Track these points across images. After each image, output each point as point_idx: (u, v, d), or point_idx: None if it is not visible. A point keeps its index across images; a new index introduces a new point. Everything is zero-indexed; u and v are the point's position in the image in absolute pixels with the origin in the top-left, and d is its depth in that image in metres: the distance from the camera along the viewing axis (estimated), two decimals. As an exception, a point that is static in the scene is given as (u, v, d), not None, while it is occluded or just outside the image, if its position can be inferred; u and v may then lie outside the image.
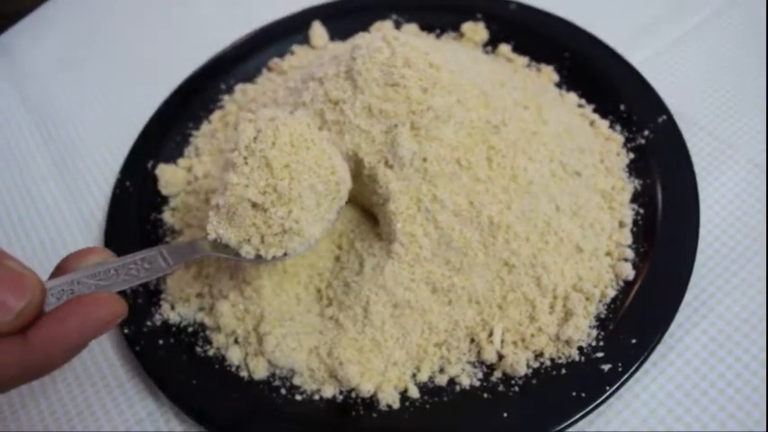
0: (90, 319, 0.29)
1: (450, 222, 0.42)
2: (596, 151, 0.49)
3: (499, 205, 0.43)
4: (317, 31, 0.61)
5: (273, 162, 0.38)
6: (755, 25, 0.58)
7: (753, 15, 0.59)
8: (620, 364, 0.40)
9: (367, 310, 0.43)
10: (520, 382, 0.41)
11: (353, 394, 0.42)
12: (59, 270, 0.31)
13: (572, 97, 0.54)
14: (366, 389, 0.41)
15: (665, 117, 0.50)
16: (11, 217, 0.57)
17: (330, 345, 0.42)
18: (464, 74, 0.44)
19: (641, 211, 0.47)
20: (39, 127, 0.64)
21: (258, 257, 0.39)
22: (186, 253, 0.38)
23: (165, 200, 0.53)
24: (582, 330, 0.41)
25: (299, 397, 0.43)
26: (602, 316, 0.43)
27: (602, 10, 0.62)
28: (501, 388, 0.41)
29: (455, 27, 0.60)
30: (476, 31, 0.59)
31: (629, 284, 0.43)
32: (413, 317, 0.43)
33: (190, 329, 0.46)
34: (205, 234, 0.38)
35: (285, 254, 0.39)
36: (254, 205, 0.38)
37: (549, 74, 0.55)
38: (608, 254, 0.45)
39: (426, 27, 0.61)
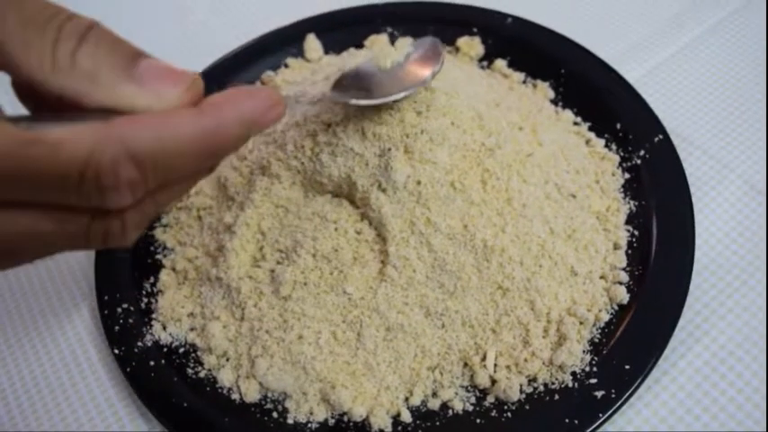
0: (262, 101, 0.28)
1: (444, 246, 0.42)
2: (591, 171, 0.49)
3: (493, 228, 0.43)
4: (312, 44, 0.61)
5: None
6: (754, 41, 0.58)
7: (751, 30, 0.59)
8: (613, 391, 0.39)
9: (360, 333, 0.43)
10: (513, 408, 0.41)
11: (345, 418, 0.42)
12: None
13: (568, 115, 0.53)
14: (358, 413, 0.41)
15: (661, 137, 0.49)
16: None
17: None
18: (459, 95, 0.44)
19: (636, 233, 0.46)
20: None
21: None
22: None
23: (156, 217, 0.53)
24: (575, 355, 0.41)
25: (290, 420, 0.42)
26: (596, 340, 0.42)
27: (600, 24, 0.62)
28: (494, 413, 0.41)
29: (451, 41, 0.59)
30: (471, 45, 0.58)
31: (623, 308, 0.43)
32: (406, 340, 0.42)
33: (181, 350, 0.46)
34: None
35: None
36: None
37: (544, 90, 0.55)
38: (602, 277, 0.45)
39: (422, 41, 0.60)
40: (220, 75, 0.60)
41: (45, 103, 0.26)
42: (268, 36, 0.62)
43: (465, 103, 0.44)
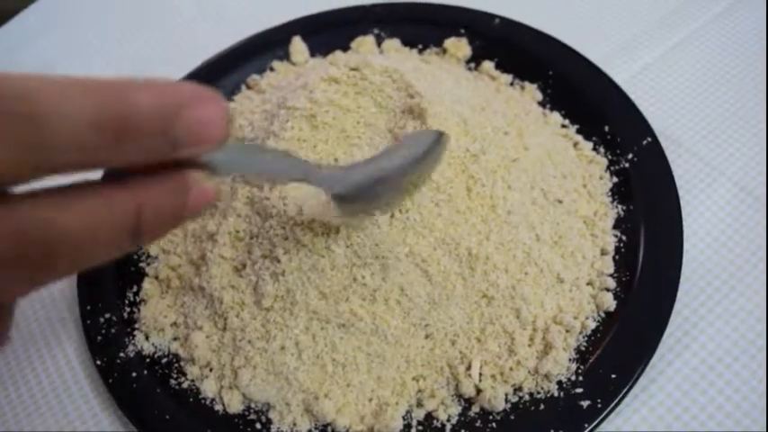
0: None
1: (429, 254, 0.41)
2: (579, 176, 0.48)
3: (478, 236, 0.42)
4: (298, 46, 0.60)
5: None
6: (743, 41, 0.57)
7: (740, 30, 0.58)
8: (599, 401, 0.39)
9: (343, 343, 0.42)
10: (498, 418, 0.40)
11: (329, 429, 0.41)
12: None
13: (555, 117, 0.53)
14: (342, 424, 0.41)
15: (649, 139, 0.49)
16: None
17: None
18: (444, 100, 0.43)
19: (624, 238, 0.46)
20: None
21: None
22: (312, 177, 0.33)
23: (140, 223, 0.52)
24: (561, 364, 0.41)
25: (274, 431, 0.42)
26: (583, 348, 0.42)
27: (589, 25, 0.61)
28: (479, 423, 0.40)
29: (438, 43, 0.59)
30: (459, 47, 0.58)
31: (610, 315, 0.43)
32: (390, 350, 0.42)
33: (164, 360, 0.45)
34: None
35: None
36: None
37: (532, 92, 0.54)
38: (589, 283, 0.44)
39: (408, 42, 0.59)
40: (206, 77, 0.59)
41: None
42: (253, 39, 0.61)
43: (449, 109, 0.43)
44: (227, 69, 0.60)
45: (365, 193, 0.36)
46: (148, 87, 0.22)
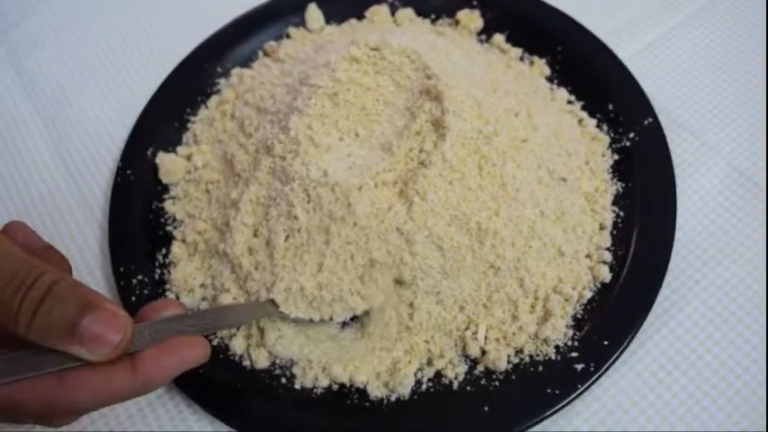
0: (186, 358, 0.36)
1: (443, 230, 0.44)
2: (582, 153, 0.51)
3: (488, 212, 0.45)
4: (313, 13, 0.61)
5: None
6: (748, 19, 0.59)
7: (747, 8, 0.60)
8: (592, 365, 0.43)
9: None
10: (500, 377, 0.45)
11: (348, 383, 0.46)
12: (143, 315, 0.38)
13: (562, 93, 0.55)
14: (359, 380, 0.45)
15: (650, 120, 0.51)
16: (10, 192, 0.59)
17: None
18: (459, 83, 0.46)
19: (621, 213, 0.49)
20: (35, 104, 0.64)
21: (310, 320, 0.45)
22: (255, 313, 0.45)
23: (165, 188, 0.55)
24: (559, 330, 0.45)
25: (297, 385, 0.46)
26: (579, 316, 0.46)
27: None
28: (483, 381, 0.45)
29: (451, 13, 0.60)
30: (471, 19, 0.59)
31: (605, 286, 0.47)
32: (404, 315, 0.46)
33: (194, 319, 0.49)
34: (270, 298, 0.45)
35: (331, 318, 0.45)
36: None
37: (541, 67, 0.56)
38: (588, 256, 0.48)
39: (422, 12, 0.61)
40: (223, 44, 0.61)
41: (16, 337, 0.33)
42: (269, 5, 0.62)
43: (464, 92, 0.46)
44: (244, 35, 0.61)
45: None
46: (163, 371, 0.36)
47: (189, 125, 0.58)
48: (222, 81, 0.60)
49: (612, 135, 0.52)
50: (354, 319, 0.47)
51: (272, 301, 0.45)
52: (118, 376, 0.34)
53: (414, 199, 0.43)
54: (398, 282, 0.45)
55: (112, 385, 0.34)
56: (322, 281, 0.44)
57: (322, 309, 0.45)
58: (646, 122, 0.51)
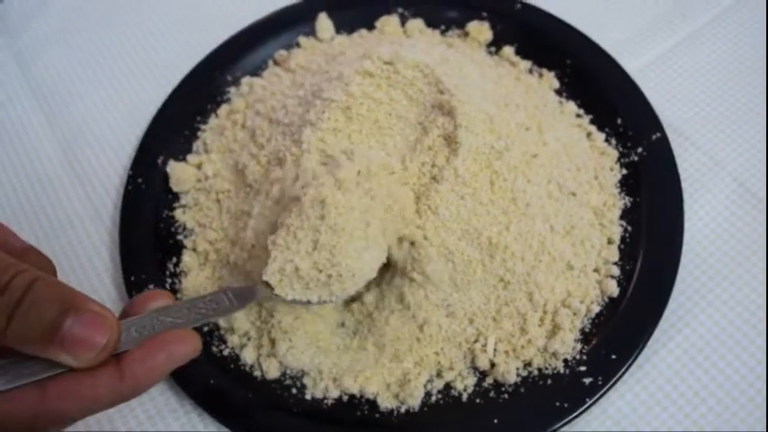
0: (176, 354, 0.34)
1: (455, 244, 0.45)
2: (591, 167, 0.52)
3: (498, 226, 0.46)
4: (324, 23, 0.62)
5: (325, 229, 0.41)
6: (756, 33, 0.59)
7: (755, 22, 0.60)
8: (600, 379, 0.44)
9: (373, 319, 0.46)
10: (509, 390, 0.45)
11: (359, 394, 0.46)
12: (130, 309, 0.35)
13: (571, 107, 0.55)
14: (370, 391, 0.46)
15: (659, 134, 0.52)
16: (19, 200, 0.59)
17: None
18: (472, 99, 0.46)
19: (629, 228, 0.50)
20: (43, 109, 0.64)
21: (308, 302, 0.43)
22: (249, 297, 0.41)
23: (176, 196, 0.55)
24: (567, 344, 0.45)
25: (308, 396, 0.47)
26: (587, 330, 0.47)
27: (606, 10, 0.63)
28: (492, 394, 0.45)
29: (460, 25, 0.61)
30: (480, 31, 0.60)
31: (613, 301, 0.47)
32: (415, 328, 0.46)
33: (205, 329, 0.49)
34: (263, 280, 0.42)
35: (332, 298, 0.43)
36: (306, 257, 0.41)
37: (550, 80, 0.57)
38: (596, 270, 0.49)
39: (432, 23, 0.61)
40: (233, 52, 0.61)
41: None
42: (280, 13, 0.63)
43: (477, 107, 0.46)
44: (255, 44, 0.61)
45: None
46: (150, 374, 0.33)
47: (199, 133, 0.59)
48: (232, 90, 0.60)
49: (621, 149, 0.53)
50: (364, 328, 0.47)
51: (267, 284, 0.42)
52: (104, 382, 0.32)
53: (426, 214, 0.43)
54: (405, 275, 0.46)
55: (99, 392, 0.32)
56: (318, 260, 0.42)
57: (320, 289, 0.42)
58: (654, 137, 0.52)
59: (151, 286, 0.50)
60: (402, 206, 0.44)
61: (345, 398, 0.46)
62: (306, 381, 0.47)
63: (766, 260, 0.49)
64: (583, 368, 0.45)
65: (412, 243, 0.44)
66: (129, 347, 0.33)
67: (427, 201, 0.44)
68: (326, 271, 0.41)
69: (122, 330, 0.33)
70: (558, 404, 0.43)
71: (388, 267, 0.46)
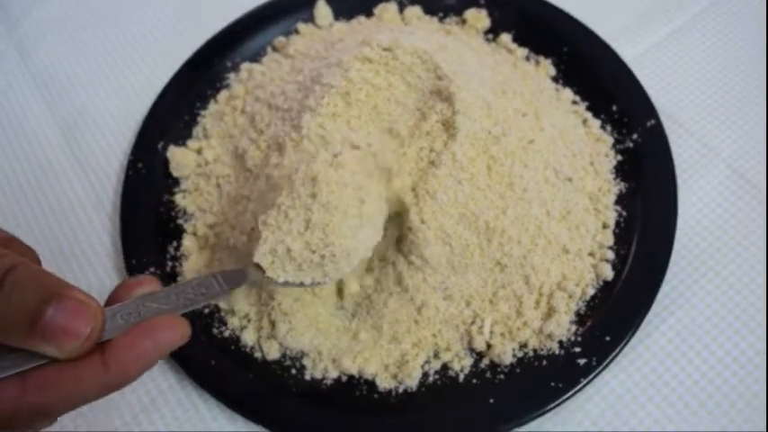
0: (163, 341, 0.32)
1: (453, 228, 0.45)
2: (587, 153, 0.52)
3: (495, 211, 0.46)
4: (322, 10, 0.62)
5: (317, 208, 0.40)
6: (752, 21, 0.60)
7: (751, 10, 0.61)
8: (594, 359, 0.45)
9: (371, 300, 0.47)
10: (505, 370, 0.46)
11: (357, 375, 0.47)
12: (115, 296, 0.34)
13: (567, 93, 0.56)
14: (369, 372, 0.46)
15: (653, 121, 0.53)
16: (21, 185, 0.59)
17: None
18: (470, 85, 0.47)
19: (624, 213, 0.51)
20: (44, 96, 0.64)
21: (301, 283, 0.42)
22: (239, 280, 0.39)
23: (176, 181, 0.56)
24: (563, 326, 0.46)
25: (307, 377, 0.47)
26: (582, 312, 0.47)
27: (602, -2, 0.63)
28: (488, 374, 0.46)
29: (458, 12, 0.61)
30: (478, 18, 0.60)
31: (607, 284, 0.48)
32: (413, 310, 0.47)
33: (206, 311, 0.50)
34: (253, 262, 0.41)
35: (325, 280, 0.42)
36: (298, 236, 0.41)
37: (546, 67, 0.58)
38: (591, 254, 0.49)
39: (430, 11, 0.62)
40: (232, 39, 0.62)
41: None
42: (279, 0, 0.62)
43: (475, 93, 0.47)
44: (254, 30, 0.62)
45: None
46: (137, 362, 0.31)
47: (199, 119, 0.59)
48: (232, 76, 0.61)
49: (616, 136, 0.54)
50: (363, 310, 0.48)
51: (258, 266, 0.41)
52: (88, 373, 0.30)
53: (424, 198, 0.44)
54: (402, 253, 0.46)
55: (83, 384, 0.30)
56: (311, 240, 0.41)
57: (313, 270, 0.41)
58: (649, 124, 0.53)
59: (152, 269, 0.51)
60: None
61: (344, 378, 0.47)
62: (305, 362, 0.48)
63: (766, 244, 0.50)
64: (577, 349, 0.46)
65: (410, 228, 0.45)
66: (114, 336, 0.31)
67: (425, 185, 0.45)
68: (320, 251, 0.40)
69: (107, 318, 0.31)
70: (552, 384, 0.44)
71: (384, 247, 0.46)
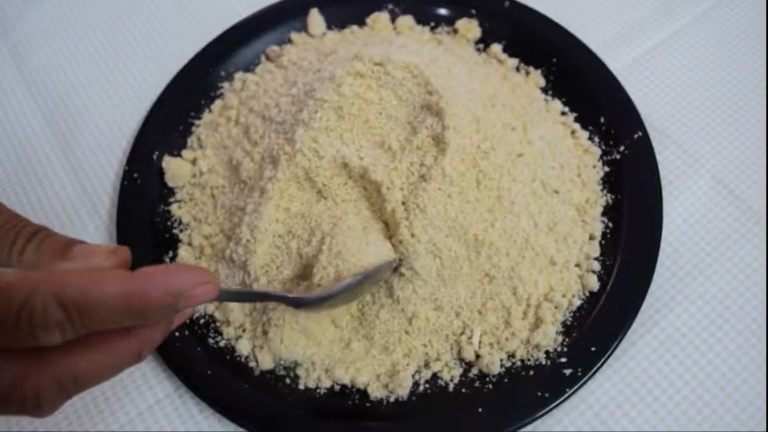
0: (190, 281, 0.31)
1: (442, 241, 0.47)
2: (574, 165, 0.53)
3: (484, 224, 0.47)
4: (315, 19, 0.63)
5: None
6: (742, 31, 0.61)
7: (741, 20, 0.62)
8: (579, 369, 0.46)
9: (363, 313, 0.48)
10: (494, 380, 0.47)
11: (350, 384, 0.48)
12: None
13: (556, 105, 0.57)
14: (361, 381, 0.48)
15: (640, 134, 0.54)
16: (17, 194, 0.60)
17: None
18: (459, 100, 0.47)
19: (610, 224, 0.52)
20: (39, 104, 0.65)
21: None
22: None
23: (171, 191, 0.57)
24: (549, 337, 0.47)
25: (301, 386, 0.48)
26: (568, 323, 0.49)
27: (592, 8, 0.64)
28: (477, 384, 0.48)
29: (450, 22, 0.62)
30: (469, 28, 0.61)
31: (593, 295, 0.49)
32: (403, 320, 0.48)
33: (202, 321, 0.51)
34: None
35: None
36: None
37: (536, 78, 0.58)
38: (578, 265, 0.50)
39: (421, 20, 0.62)
40: (226, 48, 0.62)
41: None
42: (272, 9, 0.63)
43: (464, 108, 0.47)
44: (247, 39, 0.62)
45: (325, 301, 0.44)
46: (161, 279, 0.31)
47: (193, 129, 0.60)
48: (226, 85, 0.61)
49: (604, 148, 0.55)
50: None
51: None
52: (108, 273, 0.30)
53: (414, 212, 0.45)
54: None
55: (102, 279, 0.29)
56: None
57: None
58: (635, 136, 0.54)
59: (148, 280, 0.52)
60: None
61: (337, 388, 0.48)
62: (299, 371, 0.49)
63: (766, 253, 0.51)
64: (564, 359, 0.47)
65: (400, 241, 0.46)
66: None
67: (416, 199, 0.46)
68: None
69: None
70: (539, 394, 0.45)
71: None
